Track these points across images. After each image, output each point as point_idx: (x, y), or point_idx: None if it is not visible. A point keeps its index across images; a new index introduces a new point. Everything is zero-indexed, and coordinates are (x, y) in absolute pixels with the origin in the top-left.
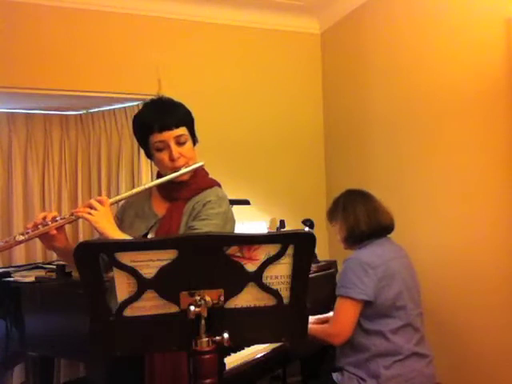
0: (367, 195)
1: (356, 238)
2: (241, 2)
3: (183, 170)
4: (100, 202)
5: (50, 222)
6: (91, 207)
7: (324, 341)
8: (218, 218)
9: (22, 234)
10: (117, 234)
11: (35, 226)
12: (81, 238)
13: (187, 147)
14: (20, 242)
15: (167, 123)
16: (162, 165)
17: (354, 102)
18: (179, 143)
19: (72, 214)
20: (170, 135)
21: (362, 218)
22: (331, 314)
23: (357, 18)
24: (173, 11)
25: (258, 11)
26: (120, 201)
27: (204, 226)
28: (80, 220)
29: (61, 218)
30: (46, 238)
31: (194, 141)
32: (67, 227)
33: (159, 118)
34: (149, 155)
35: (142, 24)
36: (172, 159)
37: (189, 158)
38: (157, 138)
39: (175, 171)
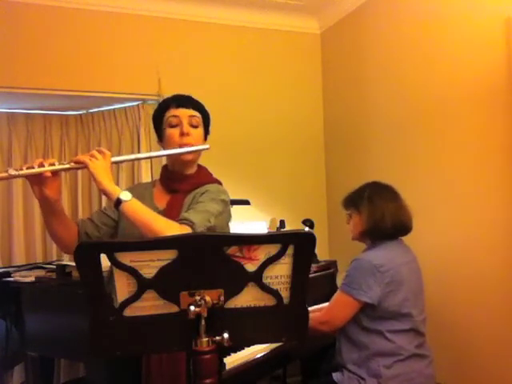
0: (395, 192)
1: (376, 234)
2: (241, 2)
3: (189, 148)
4: (102, 154)
5: (46, 165)
6: (92, 156)
7: (313, 328)
8: (215, 203)
9: (16, 170)
10: (112, 186)
11: (31, 167)
12: (79, 211)
13: (198, 131)
14: (13, 177)
15: (184, 102)
16: (171, 140)
17: (354, 101)
18: (191, 125)
19: (71, 162)
20: (185, 112)
21: (389, 215)
22: (324, 305)
23: (356, 17)
24: (173, 11)
25: (258, 11)
26: (122, 162)
27: (201, 206)
28: (79, 192)
29: (58, 164)
30: (39, 181)
31: (206, 134)
32: (66, 201)
33: (179, 97)
34: (160, 136)
35: (142, 24)
36: (182, 133)
37: (197, 142)
38: (172, 112)
39: (181, 147)
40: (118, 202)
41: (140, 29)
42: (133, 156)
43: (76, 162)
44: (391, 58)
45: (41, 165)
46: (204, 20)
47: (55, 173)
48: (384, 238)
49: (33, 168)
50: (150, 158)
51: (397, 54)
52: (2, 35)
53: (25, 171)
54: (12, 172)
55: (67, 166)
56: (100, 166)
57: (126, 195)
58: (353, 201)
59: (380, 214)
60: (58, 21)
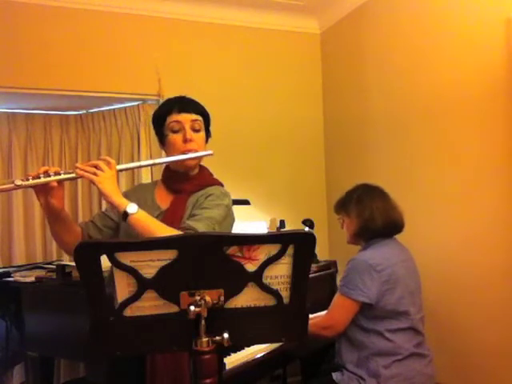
0: (384, 192)
1: (368, 233)
2: (241, 2)
3: (192, 154)
4: (108, 164)
5: (52, 174)
6: (97, 167)
7: (315, 333)
8: (219, 209)
9: (22, 180)
10: (119, 199)
11: (37, 176)
12: (79, 207)
13: (200, 136)
14: (18, 187)
15: (186, 106)
16: (174, 147)
17: (354, 101)
18: (194, 129)
19: (75, 172)
20: (187, 117)
21: (379, 214)
22: (323, 313)
23: (356, 17)
24: (173, 11)
25: (258, 11)
26: (126, 170)
27: (205, 213)
28: (79, 193)
29: (64, 173)
30: (45, 191)
31: (207, 137)
32: (66, 201)
33: (180, 102)
34: (162, 141)
35: (142, 24)
36: (185, 140)
37: (200, 147)
38: (174, 117)
39: (185, 154)
40: (125, 214)
41: (140, 29)
42: (137, 163)
43: (81, 176)
44: (391, 57)
45: (46, 173)
46: (204, 20)
47: (60, 182)
48: (376, 237)
49: (39, 178)
50: (154, 164)
51: (397, 54)
52: (2, 35)
53: (31, 181)
54: (18, 182)
55: (73, 175)
56: (106, 178)
57: (132, 208)
58: (342, 205)
59: (369, 213)
60: (58, 21)
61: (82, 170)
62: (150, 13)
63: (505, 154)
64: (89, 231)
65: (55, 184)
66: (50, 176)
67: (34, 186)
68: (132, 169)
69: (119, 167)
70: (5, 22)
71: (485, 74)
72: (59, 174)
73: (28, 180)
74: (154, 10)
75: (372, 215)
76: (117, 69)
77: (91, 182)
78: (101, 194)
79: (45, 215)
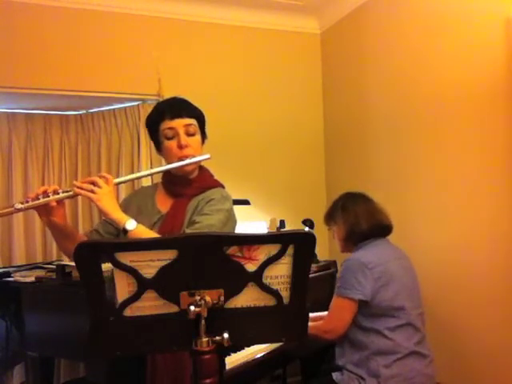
0: (367, 196)
1: (356, 237)
2: (241, 2)
3: (189, 160)
4: (105, 179)
5: (50, 194)
6: (95, 184)
7: (317, 337)
8: (220, 214)
9: (22, 203)
10: (117, 215)
11: (36, 197)
12: (79, 215)
13: (195, 139)
14: (19, 210)
15: (178, 111)
16: (170, 153)
17: (354, 101)
18: (188, 134)
19: (73, 190)
20: (180, 123)
21: (363, 217)
22: (325, 313)
23: (357, 17)
24: (173, 11)
25: (258, 11)
26: (124, 182)
27: (205, 220)
28: (80, 201)
29: (62, 192)
30: (45, 211)
31: (203, 138)
32: (66, 209)
33: (171, 107)
34: (158, 147)
35: (142, 24)
36: (180, 146)
37: (196, 151)
38: (167, 124)
39: (181, 160)
40: (125, 230)
41: (140, 29)
42: (135, 175)
43: (79, 194)
44: (391, 57)
45: (45, 193)
46: (204, 20)
47: (59, 201)
48: (364, 239)
49: (38, 199)
50: (152, 174)
51: (397, 54)
52: (2, 35)
53: (30, 203)
54: (18, 206)
55: (71, 193)
56: (104, 194)
57: (130, 224)
58: (330, 215)
59: (353, 217)
60: (58, 21)
61: (80, 187)
62: (150, 13)
63: (505, 153)
64: (92, 238)
65: (54, 204)
66: (48, 196)
67: (34, 208)
68: (130, 180)
69: (117, 180)
70: (4, 22)
71: (485, 74)
72: (57, 193)
73: (27, 202)
74: (154, 9)
75: (357, 219)
76: (117, 69)
77: (89, 199)
78: (100, 211)
79: (50, 232)
